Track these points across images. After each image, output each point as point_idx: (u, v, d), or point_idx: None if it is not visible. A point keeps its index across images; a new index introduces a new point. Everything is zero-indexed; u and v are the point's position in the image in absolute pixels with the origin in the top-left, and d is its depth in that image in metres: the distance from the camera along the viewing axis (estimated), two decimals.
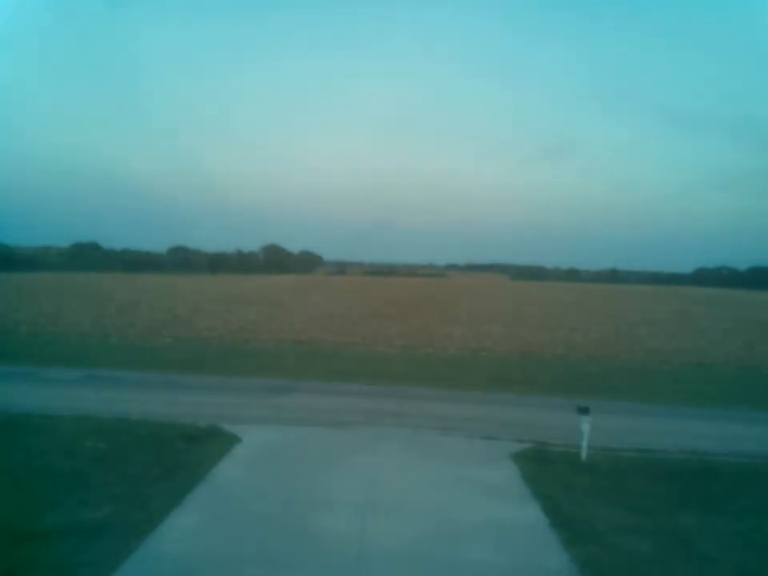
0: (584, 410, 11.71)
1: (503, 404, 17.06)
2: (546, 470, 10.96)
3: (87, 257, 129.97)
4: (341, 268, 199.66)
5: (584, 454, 11.59)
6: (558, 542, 8.05)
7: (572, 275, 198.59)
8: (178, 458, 10.74)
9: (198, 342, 27.01)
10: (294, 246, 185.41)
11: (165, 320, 34.50)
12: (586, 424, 11.57)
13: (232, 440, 12.01)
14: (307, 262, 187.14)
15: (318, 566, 7.23)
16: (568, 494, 9.79)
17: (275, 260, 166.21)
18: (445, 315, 44.53)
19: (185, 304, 46.25)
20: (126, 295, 53.97)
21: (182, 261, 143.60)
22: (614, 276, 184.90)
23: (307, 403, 16.23)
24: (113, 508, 8.47)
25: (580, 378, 21.46)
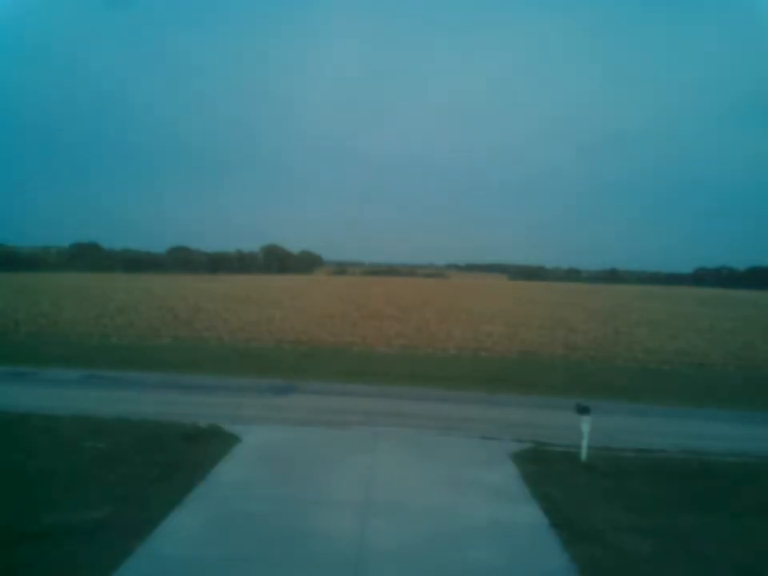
0: (584, 410, 11.70)
1: (503, 404, 17.05)
2: (545, 470, 10.95)
3: (87, 257, 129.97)
4: (341, 268, 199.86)
5: (584, 453, 11.59)
6: (558, 542, 8.06)
7: (572, 275, 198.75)
8: (177, 458, 10.74)
9: (197, 342, 26.99)
10: (294, 246, 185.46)
11: (165, 320, 34.48)
12: (585, 424, 11.56)
13: (232, 440, 12.01)
14: (307, 262, 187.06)
15: (318, 566, 7.23)
16: (568, 494, 9.79)
17: (275, 260, 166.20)
18: (444, 315, 44.51)
19: (185, 304, 46.24)
20: (125, 295, 53.95)
21: (182, 261, 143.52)
22: (613, 276, 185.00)
23: (307, 403, 16.22)
24: (113, 508, 8.47)
25: (580, 377, 21.44)
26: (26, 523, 7.88)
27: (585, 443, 11.58)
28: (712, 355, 27.90)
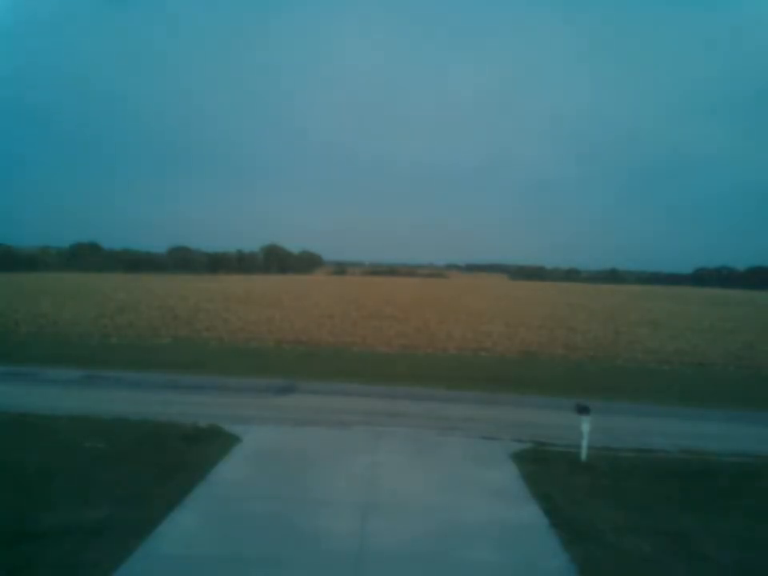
0: (584, 410, 11.69)
1: (503, 404, 17.04)
2: (545, 470, 10.95)
3: (87, 257, 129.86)
4: (341, 268, 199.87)
5: (584, 453, 11.58)
6: (558, 542, 8.05)
7: (572, 275, 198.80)
8: (177, 458, 10.73)
9: (197, 342, 27.00)
10: (294, 246, 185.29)
11: (165, 320, 34.48)
12: (585, 424, 11.55)
13: (232, 440, 12.00)
14: (307, 262, 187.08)
15: (318, 566, 7.23)
16: (568, 494, 9.79)
17: (275, 260, 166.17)
18: (444, 315, 44.51)
19: (185, 304, 46.24)
20: (125, 295, 53.95)
21: (182, 261, 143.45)
22: (613, 276, 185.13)
23: (307, 403, 16.22)
24: (112, 508, 8.46)
25: (580, 377, 21.45)
26: (26, 523, 7.88)
27: (585, 443, 11.57)
28: (712, 355, 27.90)
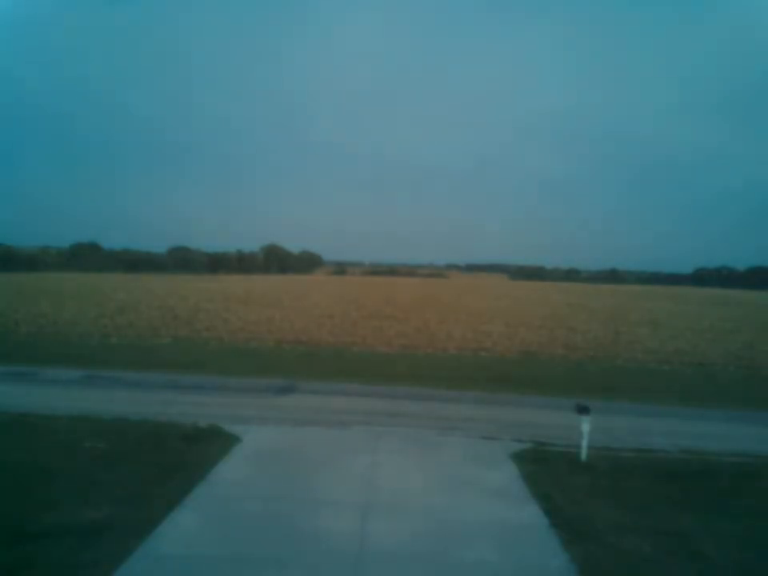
0: (584, 410, 11.69)
1: (503, 404, 17.05)
2: (545, 470, 10.95)
3: (87, 257, 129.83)
4: (341, 268, 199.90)
5: (584, 453, 11.58)
6: (558, 542, 8.05)
7: (572, 275, 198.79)
8: (177, 458, 10.73)
9: (197, 342, 26.99)
10: (294, 246, 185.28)
11: (165, 320, 34.48)
12: (585, 424, 11.56)
13: (232, 440, 12.00)
14: (307, 262, 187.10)
15: (318, 565, 7.23)
16: (568, 494, 9.79)
17: (275, 260, 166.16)
18: (444, 315, 44.50)
19: (185, 304, 46.23)
20: (125, 295, 53.94)
21: (182, 261, 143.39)
22: (613, 276, 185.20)
23: (307, 403, 16.22)
24: (112, 508, 8.47)
25: (580, 378, 21.45)
26: (26, 523, 7.87)
27: (585, 443, 11.57)
28: (712, 355, 27.90)
